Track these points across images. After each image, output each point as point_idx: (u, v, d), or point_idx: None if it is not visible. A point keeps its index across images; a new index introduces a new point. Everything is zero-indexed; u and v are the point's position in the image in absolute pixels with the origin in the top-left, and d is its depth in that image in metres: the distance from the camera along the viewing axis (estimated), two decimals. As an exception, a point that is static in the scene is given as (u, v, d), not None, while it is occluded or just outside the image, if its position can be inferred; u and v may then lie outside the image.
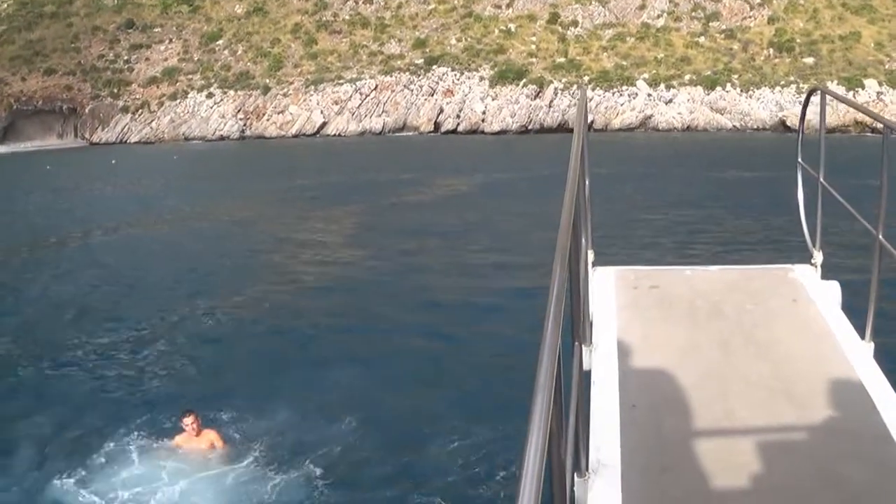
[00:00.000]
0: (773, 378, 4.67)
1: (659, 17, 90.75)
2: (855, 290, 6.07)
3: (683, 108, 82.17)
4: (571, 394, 3.17)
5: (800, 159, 6.79)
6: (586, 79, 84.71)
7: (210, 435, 12.54)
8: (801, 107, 6.68)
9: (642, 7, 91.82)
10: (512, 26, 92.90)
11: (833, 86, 74.89)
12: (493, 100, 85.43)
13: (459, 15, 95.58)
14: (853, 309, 5.63)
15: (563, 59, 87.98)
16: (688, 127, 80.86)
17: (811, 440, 4.07)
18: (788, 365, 4.87)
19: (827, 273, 6.24)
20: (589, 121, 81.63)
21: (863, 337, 5.15)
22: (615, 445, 3.96)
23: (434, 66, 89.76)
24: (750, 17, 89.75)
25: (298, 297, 21.43)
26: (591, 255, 5.85)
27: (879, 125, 4.83)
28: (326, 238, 29.86)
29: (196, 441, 12.36)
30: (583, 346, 4.32)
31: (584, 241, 4.78)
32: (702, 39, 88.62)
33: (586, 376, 4.48)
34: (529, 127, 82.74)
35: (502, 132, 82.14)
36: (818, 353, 5.00)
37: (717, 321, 5.39)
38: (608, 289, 5.91)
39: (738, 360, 4.88)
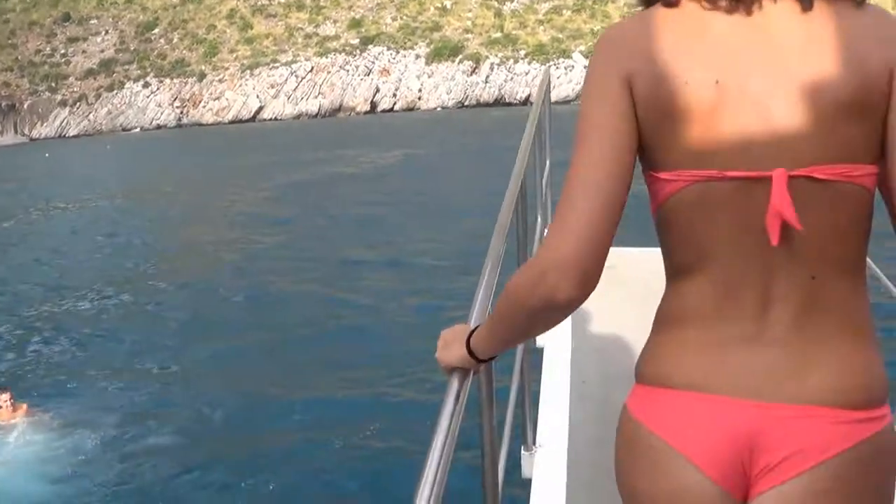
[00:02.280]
0: None
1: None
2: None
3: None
4: (514, 370, 3.16)
5: None
6: (522, 52, 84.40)
7: (23, 409, 12.69)
8: None
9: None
10: (448, 3, 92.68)
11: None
12: (429, 77, 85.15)
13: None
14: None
15: (499, 34, 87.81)
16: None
17: None
18: None
19: None
20: (525, 95, 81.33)
21: None
22: (564, 419, 3.96)
23: (370, 46, 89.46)
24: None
25: (195, 272, 21.46)
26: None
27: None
28: (242, 218, 29.20)
29: (9, 416, 12.52)
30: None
31: (539, 221, 4.74)
32: (639, 10, 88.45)
33: (539, 352, 4.54)
34: (466, 103, 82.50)
35: (438, 108, 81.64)
36: None
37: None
38: None
39: None
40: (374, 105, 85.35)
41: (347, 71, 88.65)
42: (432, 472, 1.51)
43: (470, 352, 1.78)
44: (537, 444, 3.74)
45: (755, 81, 1.51)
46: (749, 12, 1.53)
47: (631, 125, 1.55)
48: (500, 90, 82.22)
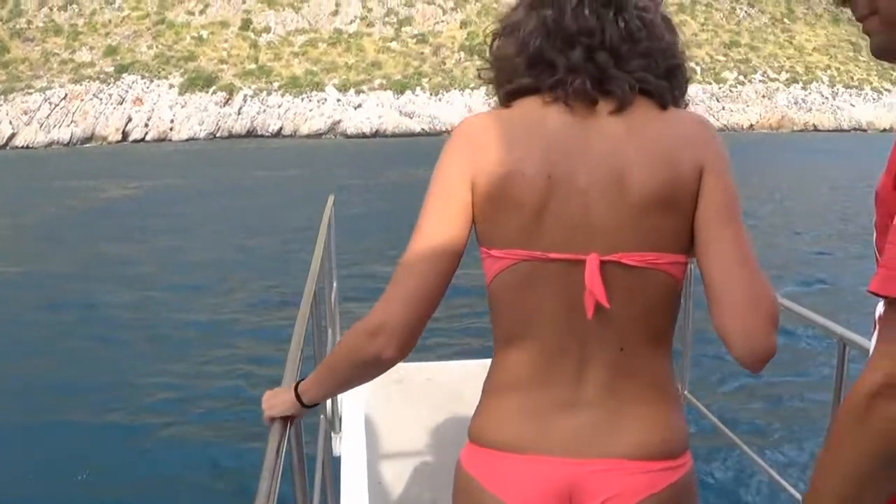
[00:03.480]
0: None
1: (352, 22, 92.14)
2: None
3: (373, 112, 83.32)
4: (315, 476, 3.22)
5: None
6: (276, 85, 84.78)
7: None
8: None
9: (335, 13, 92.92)
10: (204, 33, 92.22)
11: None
12: (182, 107, 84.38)
13: (152, 21, 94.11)
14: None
15: (253, 66, 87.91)
16: (376, 132, 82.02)
17: None
18: None
19: None
20: (277, 127, 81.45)
21: None
22: None
23: (124, 74, 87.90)
24: (442, 21, 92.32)
25: None
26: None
27: None
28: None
29: None
30: (332, 433, 4.79)
31: (329, 342, 4.93)
32: (394, 44, 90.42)
33: (336, 461, 4.68)
34: (218, 134, 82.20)
35: (190, 140, 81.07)
36: None
37: (459, 407, 5.54)
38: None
39: None
40: (125, 134, 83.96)
41: (101, 99, 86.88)
42: None
43: (297, 397, 2.01)
44: None
45: (580, 175, 1.73)
46: (577, 113, 1.77)
47: (466, 215, 1.79)
48: (252, 122, 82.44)
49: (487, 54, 1.95)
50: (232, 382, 11.78)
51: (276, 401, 2.06)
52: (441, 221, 1.79)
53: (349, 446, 4.98)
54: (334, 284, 5.83)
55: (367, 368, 1.86)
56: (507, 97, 1.85)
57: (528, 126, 1.78)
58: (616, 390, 1.79)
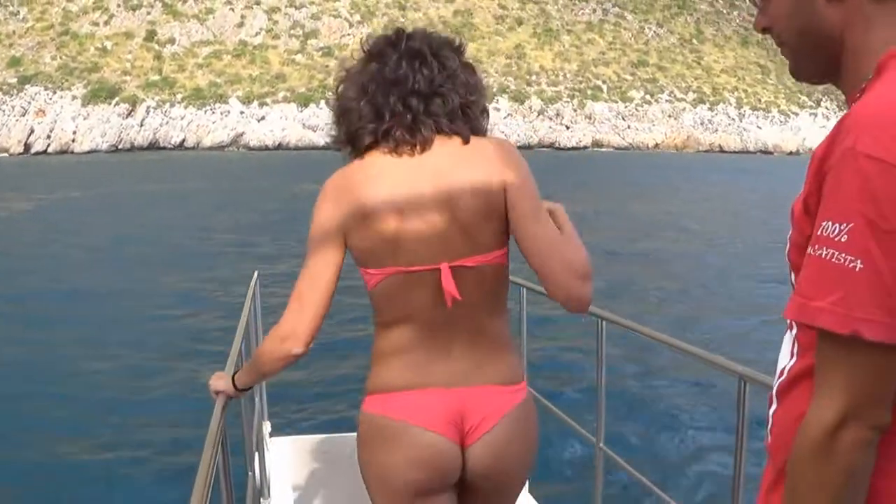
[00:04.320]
0: None
1: (257, 34, 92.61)
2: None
3: (276, 125, 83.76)
4: None
5: None
6: (179, 96, 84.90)
7: None
8: None
9: (241, 24, 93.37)
10: (108, 44, 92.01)
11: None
12: (84, 119, 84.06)
13: (56, 32, 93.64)
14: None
15: (157, 77, 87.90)
16: (279, 144, 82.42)
17: None
18: None
19: None
20: (180, 139, 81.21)
21: None
22: None
23: (27, 85, 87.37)
24: (349, 34, 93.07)
25: None
26: (267, 427, 6.32)
27: None
28: None
29: None
30: (261, 499, 4.83)
31: (257, 413, 5.10)
32: (299, 57, 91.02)
33: None
34: (120, 146, 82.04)
35: (92, 151, 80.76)
36: None
37: None
38: (285, 454, 6.24)
39: None
40: (27, 147, 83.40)
41: (3, 111, 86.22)
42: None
43: (234, 383, 2.71)
44: None
45: (421, 206, 2.31)
46: (414, 154, 2.35)
47: (340, 249, 2.40)
48: (154, 134, 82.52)
49: (332, 96, 2.52)
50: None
51: (220, 381, 2.76)
52: (324, 252, 2.40)
53: None
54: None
55: (280, 363, 2.49)
56: (358, 151, 2.42)
57: (377, 174, 2.35)
58: (475, 346, 2.44)
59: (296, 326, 2.40)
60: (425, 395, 2.42)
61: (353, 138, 2.42)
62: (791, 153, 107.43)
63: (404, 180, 2.34)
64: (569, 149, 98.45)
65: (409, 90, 2.38)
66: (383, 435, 2.44)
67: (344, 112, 2.45)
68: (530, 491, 5.43)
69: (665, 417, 10.42)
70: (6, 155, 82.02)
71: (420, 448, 2.41)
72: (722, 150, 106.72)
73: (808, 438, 1.35)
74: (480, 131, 2.46)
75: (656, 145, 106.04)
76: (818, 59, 1.53)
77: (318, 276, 2.40)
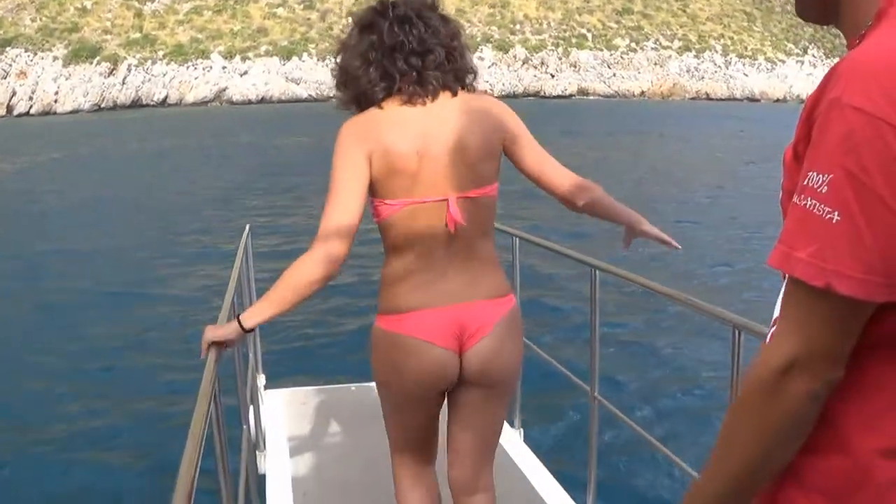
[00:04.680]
0: None
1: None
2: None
3: (259, 79, 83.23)
4: (240, 488, 3.40)
5: None
6: (161, 53, 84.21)
7: None
8: None
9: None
10: (88, 3, 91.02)
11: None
12: (66, 79, 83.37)
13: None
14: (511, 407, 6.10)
15: (138, 35, 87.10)
16: (262, 98, 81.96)
17: None
18: (444, 451, 5.37)
19: None
20: (163, 96, 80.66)
21: (512, 425, 5.60)
22: None
23: (7, 48, 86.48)
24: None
25: None
26: (262, 379, 6.44)
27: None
28: None
29: None
30: (257, 451, 5.06)
31: (251, 366, 5.17)
32: (280, 10, 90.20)
33: (262, 479, 4.91)
34: (102, 105, 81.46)
35: (74, 111, 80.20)
36: None
37: (379, 425, 5.78)
38: (279, 405, 6.22)
39: None
40: (10, 109, 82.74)
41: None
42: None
43: (240, 325, 2.83)
44: None
45: (435, 147, 2.78)
46: (426, 104, 2.82)
47: (365, 182, 2.77)
48: (137, 92, 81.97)
49: (333, 66, 2.98)
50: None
51: (219, 329, 2.88)
52: (352, 179, 2.76)
53: (273, 463, 5.23)
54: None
55: (316, 286, 2.76)
56: (369, 102, 2.85)
57: (396, 120, 2.79)
58: (468, 267, 2.91)
59: (330, 251, 2.73)
60: (430, 314, 2.88)
61: (364, 98, 2.86)
62: (778, 100, 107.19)
63: (420, 126, 2.79)
64: (554, 97, 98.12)
65: (408, 51, 2.82)
66: (396, 346, 2.92)
67: (352, 78, 2.87)
68: (525, 440, 5.51)
69: (660, 368, 10.41)
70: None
71: (427, 359, 2.90)
72: (709, 98, 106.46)
73: (755, 376, 1.37)
74: (468, 70, 2.95)
75: (642, 93, 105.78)
76: (818, 1, 1.52)
77: (347, 207, 2.75)
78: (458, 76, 2.91)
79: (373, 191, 2.82)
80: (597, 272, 4.23)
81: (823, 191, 1.29)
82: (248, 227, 6.12)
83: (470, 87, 2.96)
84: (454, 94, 2.88)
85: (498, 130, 2.90)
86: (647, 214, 3.21)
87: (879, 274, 1.27)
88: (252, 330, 2.90)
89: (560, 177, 3.03)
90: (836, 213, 1.28)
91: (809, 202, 1.31)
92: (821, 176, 1.30)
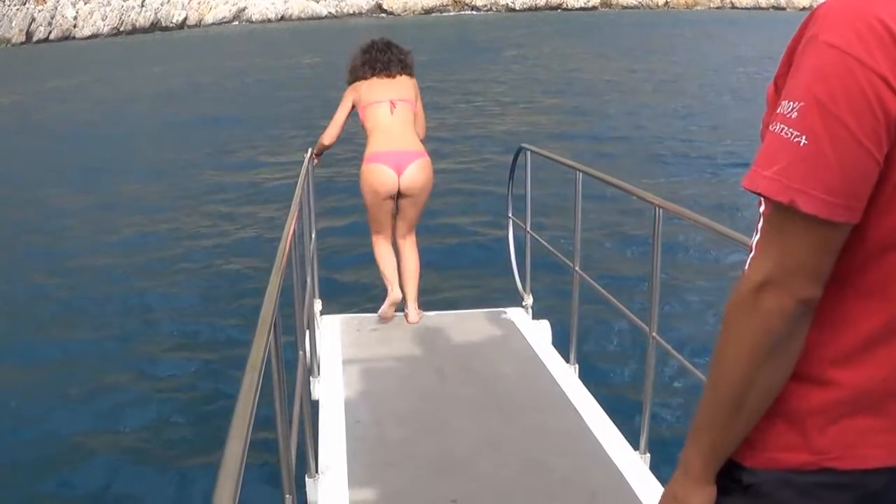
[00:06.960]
0: (483, 394, 5.32)
1: None
2: (564, 326, 6.23)
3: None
4: (294, 413, 3.52)
5: (510, 214, 7.46)
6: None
7: None
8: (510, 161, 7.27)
9: None
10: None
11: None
12: (85, 4, 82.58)
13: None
14: (562, 340, 6.16)
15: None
16: (282, 17, 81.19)
17: (518, 439, 4.68)
18: (498, 383, 5.51)
19: (538, 314, 6.77)
20: (182, 18, 79.61)
21: (567, 360, 5.77)
22: (342, 452, 4.51)
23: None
24: None
25: None
26: (318, 305, 6.71)
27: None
28: None
29: None
30: (311, 377, 5.18)
31: (308, 291, 5.35)
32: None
33: (315, 405, 5.02)
34: (121, 29, 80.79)
35: (93, 36, 79.65)
36: (526, 374, 5.67)
37: (432, 354, 6.02)
38: (334, 331, 6.41)
39: (451, 383, 5.51)
40: (29, 35, 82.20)
41: (3, 2, 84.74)
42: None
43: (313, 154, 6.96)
44: (319, 472, 4.29)
45: (390, 92, 6.46)
46: (388, 78, 6.50)
47: (351, 105, 6.58)
48: (156, 14, 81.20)
49: (348, 68, 6.65)
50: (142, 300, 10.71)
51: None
52: (346, 106, 6.60)
53: (326, 389, 5.37)
54: (313, 238, 6.43)
55: (331, 141, 6.78)
56: (361, 77, 6.52)
57: (375, 86, 6.46)
58: (404, 135, 6.39)
59: (331, 131, 6.67)
60: (387, 154, 6.28)
61: (358, 77, 6.52)
62: (804, 8, 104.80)
63: (386, 89, 6.46)
64: (577, 9, 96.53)
65: (385, 60, 6.51)
66: (370, 170, 6.30)
67: (354, 69, 6.55)
68: (580, 376, 5.67)
69: (718, 310, 10.11)
70: (8, 46, 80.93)
71: (385, 175, 6.27)
72: (734, 7, 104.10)
73: (736, 293, 1.50)
74: (411, 66, 6.66)
75: (666, 3, 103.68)
76: None
77: (342, 113, 6.59)
78: (404, 69, 6.56)
79: (359, 106, 6.49)
80: (660, 211, 4.25)
81: (793, 116, 1.41)
82: (310, 150, 6.54)
83: (410, 74, 6.61)
84: (404, 76, 6.58)
85: (415, 88, 6.59)
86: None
87: (840, 195, 1.38)
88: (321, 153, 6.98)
89: (417, 126, 6.54)
90: (804, 137, 1.39)
91: (779, 127, 1.43)
92: (792, 104, 1.42)
